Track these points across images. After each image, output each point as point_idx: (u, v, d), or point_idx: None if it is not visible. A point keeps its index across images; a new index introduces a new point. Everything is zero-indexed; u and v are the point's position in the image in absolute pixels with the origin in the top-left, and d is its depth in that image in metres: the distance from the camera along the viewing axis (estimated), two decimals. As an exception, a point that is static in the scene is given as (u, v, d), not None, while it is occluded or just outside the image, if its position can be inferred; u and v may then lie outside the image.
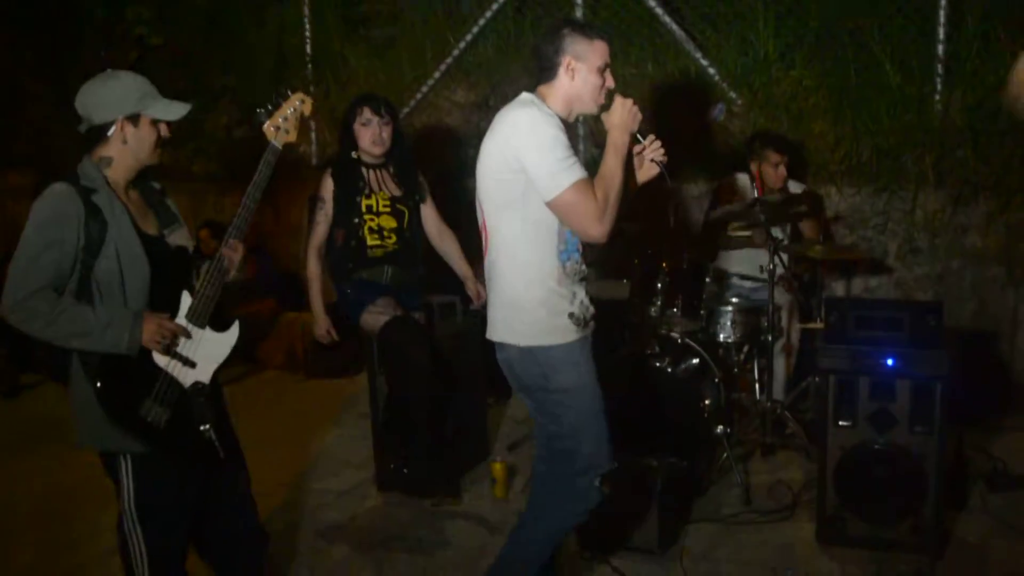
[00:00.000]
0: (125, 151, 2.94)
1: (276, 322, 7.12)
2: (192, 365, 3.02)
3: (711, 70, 6.37)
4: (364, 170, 4.35)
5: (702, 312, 4.82)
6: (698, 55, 6.39)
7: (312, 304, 4.42)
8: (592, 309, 3.19)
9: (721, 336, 4.94)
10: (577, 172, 2.93)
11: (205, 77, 7.83)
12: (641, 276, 4.82)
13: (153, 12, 8.01)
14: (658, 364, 4.57)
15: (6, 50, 9.03)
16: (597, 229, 2.97)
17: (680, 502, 4.22)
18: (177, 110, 3.01)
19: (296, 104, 3.26)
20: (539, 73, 3.14)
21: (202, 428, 3.04)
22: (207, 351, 3.05)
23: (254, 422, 5.68)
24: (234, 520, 3.33)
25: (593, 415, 3.13)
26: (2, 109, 8.97)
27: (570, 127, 3.15)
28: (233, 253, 3.10)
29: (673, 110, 6.28)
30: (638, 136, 3.14)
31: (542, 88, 3.13)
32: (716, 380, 4.73)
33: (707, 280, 4.84)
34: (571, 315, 3.07)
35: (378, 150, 4.34)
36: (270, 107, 3.24)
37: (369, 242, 4.28)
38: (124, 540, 3.06)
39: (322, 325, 4.45)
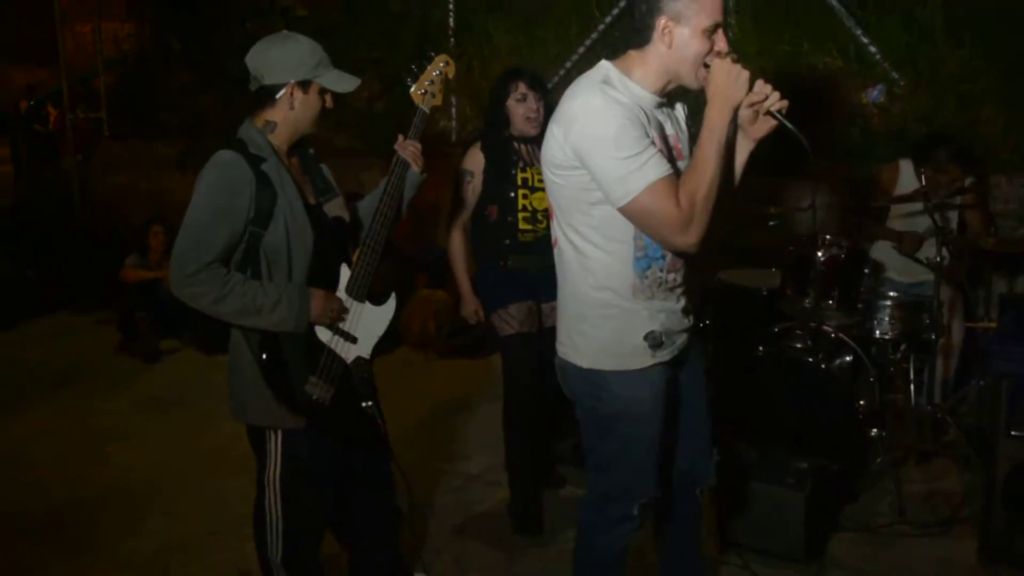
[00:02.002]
0: (290, 117, 2.83)
1: (411, 298, 7.06)
2: (353, 340, 2.95)
3: (872, 48, 6.01)
4: (516, 144, 4.13)
5: (859, 306, 4.51)
6: (858, 32, 6.04)
7: (459, 282, 4.20)
8: (686, 323, 2.74)
9: (878, 332, 4.62)
10: (651, 172, 2.41)
11: (348, 50, 7.80)
12: (794, 265, 4.53)
13: (301, -17, 8.07)
14: (810, 360, 4.29)
15: (154, 24, 9.26)
16: (680, 239, 2.46)
17: (829, 508, 3.96)
18: (348, 82, 2.89)
19: (440, 66, 3.19)
20: (632, 35, 2.55)
21: (364, 405, 2.97)
22: (366, 325, 2.98)
23: (386, 399, 5.64)
24: (373, 499, 3.25)
25: (639, 447, 2.70)
26: (150, 81, 9.21)
27: (672, 102, 2.69)
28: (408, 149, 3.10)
29: (829, 90, 5.96)
30: None
31: (633, 53, 2.55)
32: (871, 379, 4.44)
33: (865, 272, 4.53)
34: (648, 335, 2.62)
35: (534, 130, 4.00)
36: (415, 70, 3.14)
37: (521, 226, 4.08)
38: (262, 514, 2.99)
39: (470, 304, 4.19)
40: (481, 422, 5.31)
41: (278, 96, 2.80)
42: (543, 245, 3.99)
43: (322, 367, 2.86)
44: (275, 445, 2.88)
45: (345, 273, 2.93)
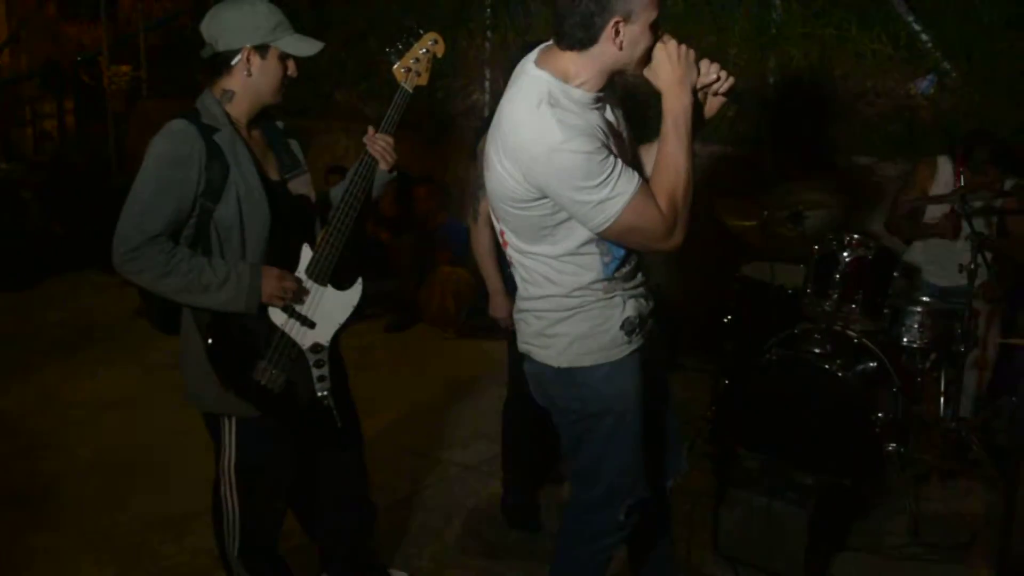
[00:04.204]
0: (248, 85, 2.67)
1: (431, 275, 6.89)
2: (311, 325, 2.77)
3: (924, 36, 5.67)
4: None
5: (886, 311, 4.24)
6: (910, 18, 5.70)
7: (488, 281, 3.72)
8: (651, 304, 2.61)
9: (905, 339, 4.32)
10: (626, 188, 2.25)
11: (384, 16, 7.62)
12: (818, 264, 4.26)
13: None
14: (827, 366, 4.03)
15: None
16: (666, 244, 2.36)
17: (836, 526, 3.74)
18: (309, 47, 2.72)
19: (428, 45, 2.97)
20: (568, 36, 2.28)
21: (320, 395, 2.80)
22: (327, 310, 2.80)
23: (394, 379, 5.53)
24: (341, 492, 3.11)
25: (624, 444, 2.57)
26: (189, 42, 9.13)
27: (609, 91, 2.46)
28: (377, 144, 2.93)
29: (875, 78, 5.66)
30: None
31: (569, 54, 2.30)
32: (894, 389, 4.16)
33: (895, 275, 4.25)
34: (624, 322, 2.49)
35: None
36: (400, 47, 2.94)
37: None
38: (219, 503, 2.88)
39: (502, 307, 3.67)
40: (487, 408, 5.11)
41: (234, 63, 2.64)
42: None
43: (272, 352, 2.69)
44: (229, 433, 2.74)
45: (307, 254, 2.76)
